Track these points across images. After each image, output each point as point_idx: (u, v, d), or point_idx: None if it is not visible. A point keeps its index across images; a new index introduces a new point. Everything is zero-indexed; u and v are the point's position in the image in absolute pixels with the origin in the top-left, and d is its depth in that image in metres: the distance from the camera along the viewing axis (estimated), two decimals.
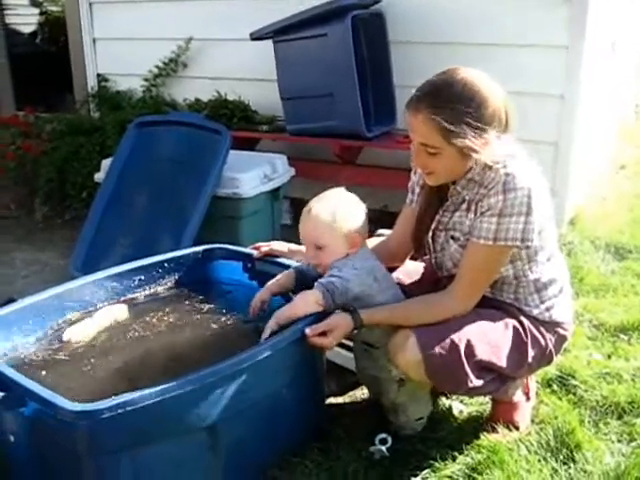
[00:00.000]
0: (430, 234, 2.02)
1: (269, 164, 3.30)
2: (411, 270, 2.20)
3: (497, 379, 1.96)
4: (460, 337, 1.83)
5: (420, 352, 1.81)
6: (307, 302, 1.89)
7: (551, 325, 1.98)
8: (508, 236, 1.80)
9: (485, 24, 3.43)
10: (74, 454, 1.59)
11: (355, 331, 1.93)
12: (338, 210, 1.94)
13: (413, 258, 2.22)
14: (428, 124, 1.76)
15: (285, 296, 2.12)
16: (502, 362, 1.90)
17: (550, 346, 1.98)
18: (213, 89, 4.11)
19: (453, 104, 1.74)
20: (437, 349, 1.81)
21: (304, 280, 2.08)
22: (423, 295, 1.94)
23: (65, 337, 2.01)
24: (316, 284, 1.90)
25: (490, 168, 1.81)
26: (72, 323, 2.09)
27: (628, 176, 4.80)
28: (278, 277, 2.12)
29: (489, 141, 1.78)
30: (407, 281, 2.15)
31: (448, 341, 1.82)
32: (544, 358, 2.01)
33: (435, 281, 2.06)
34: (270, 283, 2.11)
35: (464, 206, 1.91)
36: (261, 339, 1.85)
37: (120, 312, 2.17)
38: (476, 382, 1.87)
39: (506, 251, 1.83)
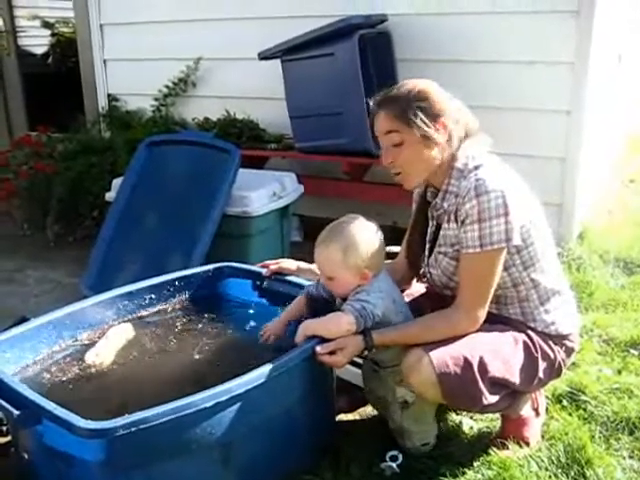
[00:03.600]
0: (426, 252, 2.05)
1: (278, 182, 3.33)
2: (413, 292, 2.22)
3: (509, 395, 1.96)
4: (473, 354, 1.85)
5: (435, 372, 1.81)
6: (340, 325, 1.88)
7: (558, 338, 1.99)
8: (493, 240, 1.82)
9: (490, 41, 3.46)
10: (88, 471, 1.61)
11: (366, 352, 1.94)
12: (350, 247, 1.92)
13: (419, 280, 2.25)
14: (388, 114, 1.91)
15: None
16: (515, 378, 1.91)
17: (559, 359, 2.00)
18: (222, 108, 4.16)
19: (404, 96, 1.90)
20: (452, 368, 1.82)
21: (315, 305, 2.09)
22: (432, 313, 1.95)
23: (88, 360, 2.02)
24: (348, 307, 1.90)
25: (465, 178, 1.87)
26: (86, 343, 2.11)
27: (637, 190, 4.79)
28: (290, 307, 2.12)
29: (447, 126, 1.89)
30: (408, 300, 2.15)
31: (462, 359, 1.83)
32: (554, 371, 2.02)
33: (440, 296, 2.07)
34: (283, 315, 2.11)
35: (445, 218, 1.94)
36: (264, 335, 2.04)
37: (129, 331, 2.18)
38: (490, 399, 1.88)
39: (496, 254, 1.85)
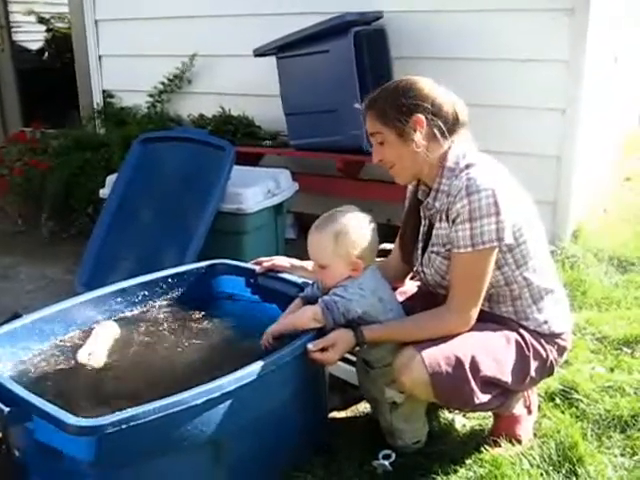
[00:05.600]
0: (419, 251, 2.05)
1: (273, 179, 3.32)
2: (407, 290, 2.22)
3: (501, 394, 1.96)
4: (465, 354, 1.84)
5: (426, 371, 1.81)
6: (307, 316, 1.92)
7: (551, 337, 1.99)
8: (485, 239, 1.82)
9: (486, 39, 3.45)
10: (79, 468, 1.61)
11: (357, 347, 1.94)
12: (342, 234, 1.93)
13: (412, 278, 2.25)
14: (370, 114, 1.95)
15: None
16: (506, 377, 1.91)
17: (551, 357, 1.99)
18: (217, 105, 4.15)
19: (386, 94, 1.94)
20: (443, 367, 1.82)
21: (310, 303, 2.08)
22: (424, 311, 1.95)
23: (81, 359, 2.00)
24: (319, 300, 1.92)
25: (456, 177, 1.87)
26: (78, 341, 2.09)
27: (632, 188, 4.80)
28: (287, 311, 2.10)
29: (422, 122, 1.88)
30: (402, 299, 2.15)
31: (453, 358, 1.83)
32: (545, 370, 2.02)
33: (432, 295, 2.07)
34: (282, 318, 2.08)
35: (437, 217, 1.94)
36: (261, 342, 1.95)
37: (115, 328, 2.17)
38: (482, 398, 1.88)
39: (488, 253, 1.84)
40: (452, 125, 1.92)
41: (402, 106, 1.88)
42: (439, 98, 1.91)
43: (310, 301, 2.08)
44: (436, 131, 1.90)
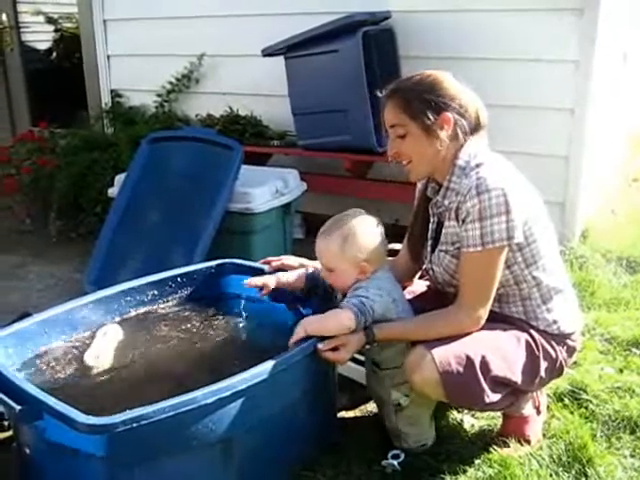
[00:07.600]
0: (428, 249, 2.04)
1: (281, 179, 3.32)
2: (415, 290, 2.22)
3: (511, 394, 1.96)
4: (475, 353, 1.84)
5: (437, 370, 1.81)
6: (340, 322, 1.87)
7: (560, 337, 1.99)
8: (495, 238, 1.81)
9: (494, 39, 3.45)
10: (89, 467, 1.61)
11: (368, 346, 1.94)
12: (349, 238, 1.93)
13: (421, 277, 2.25)
14: (393, 105, 1.93)
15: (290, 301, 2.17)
16: (516, 377, 1.91)
17: (560, 358, 1.99)
18: (225, 104, 4.15)
19: (413, 86, 1.92)
20: (454, 366, 1.82)
21: (313, 285, 2.11)
22: (434, 311, 1.95)
23: (89, 361, 2.00)
24: (347, 303, 1.90)
25: (466, 176, 1.87)
26: (87, 340, 2.10)
27: None
28: (290, 274, 2.14)
29: (450, 121, 1.88)
30: (410, 297, 2.16)
31: (464, 357, 1.83)
32: (555, 370, 2.01)
33: (442, 294, 2.07)
34: (281, 274, 2.15)
35: (447, 215, 1.94)
36: (289, 343, 1.87)
37: (119, 330, 2.17)
38: (492, 397, 1.88)
39: (498, 253, 1.84)
40: (474, 127, 1.92)
41: (431, 102, 1.87)
42: (465, 99, 1.90)
43: (315, 280, 2.11)
44: (459, 131, 1.90)
